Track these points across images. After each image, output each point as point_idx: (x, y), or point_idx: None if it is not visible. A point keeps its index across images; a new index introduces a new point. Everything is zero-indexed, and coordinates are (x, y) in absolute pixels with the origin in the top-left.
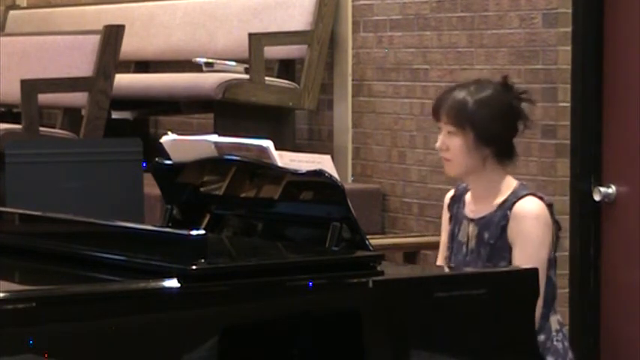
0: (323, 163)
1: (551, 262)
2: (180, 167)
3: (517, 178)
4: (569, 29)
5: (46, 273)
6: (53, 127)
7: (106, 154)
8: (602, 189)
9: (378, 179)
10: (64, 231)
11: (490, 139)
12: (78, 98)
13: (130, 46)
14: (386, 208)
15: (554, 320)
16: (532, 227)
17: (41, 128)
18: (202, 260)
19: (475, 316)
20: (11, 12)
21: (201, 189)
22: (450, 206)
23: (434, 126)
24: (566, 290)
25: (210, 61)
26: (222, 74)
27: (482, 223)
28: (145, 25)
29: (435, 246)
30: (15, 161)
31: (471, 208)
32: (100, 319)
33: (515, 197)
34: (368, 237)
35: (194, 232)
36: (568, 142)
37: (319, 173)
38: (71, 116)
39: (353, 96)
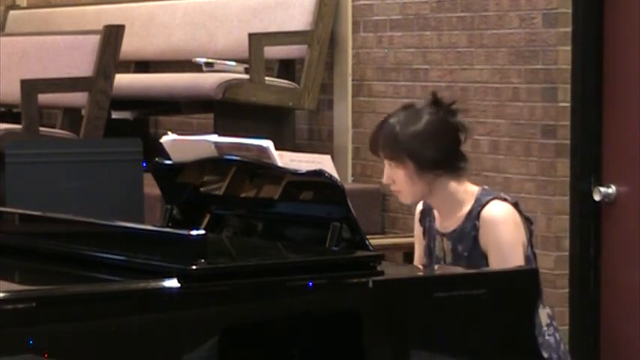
0: (323, 163)
1: (530, 259)
2: (180, 167)
3: (517, 178)
4: (569, 29)
5: (46, 273)
6: (53, 127)
7: (106, 154)
8: (602, 189)
9: (378, 179)
10: (64, 231)
11: (432, 165)
12: (78, 98)
13: (130, 46)
14: (386, 208)
15: (544, 314)
16: (501, 231)
17: (41, 128)
18: (202, 260)
19: (475, 316)
20: (11, 12)
21: (201, 189)
22: (421, 220)
23: None
24: (566, 290)
25: (210, 61)
26: (222, 74)
27: (454, 236)
28: (145, 25)
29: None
30: (15, 161)
31: (440, 223)
32: (100, 319)
33: (479, 205)
34: (368, 237)
35: (194, 232)
36: (568, 142)
37: (319, 173)
38: (71, 116)
39: (353, 96)
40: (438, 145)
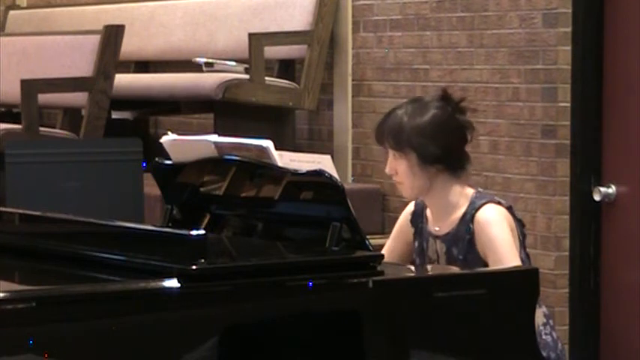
0: (323, 163)
1: (524, 261)
2: (180, 167)
3: (517, 178)
4: (569, 29)
5: (46, 273)
6: (53, 127)
7: (106, 154)
8: (602, 189)
9: (378, 179)
10: (64, 231)
11: (435, 159)
12: (78, 98)
13: (130, 46)
14: (386, 208)
15: (540, 314)
16: (497, 232)
17: (41, 128)
18: (202, 260)
19: (475, 316)
20: (11, 12)
21: (201, 189)
22: (412, 221)
23: None
24: (566, 290)
25: (210, 61)
26: (222, 74)
27: (448, 239)
28: (145, 25)
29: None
30: (15, 161)
31: (433, 225)
32: (100, 319)
33: (473, 209)
34: (368, 237)
35: (194, 232)
36: (568, 142)
37: (319, 173)
38: (71, 116)
39: (353, 96)
40: (442, 140)
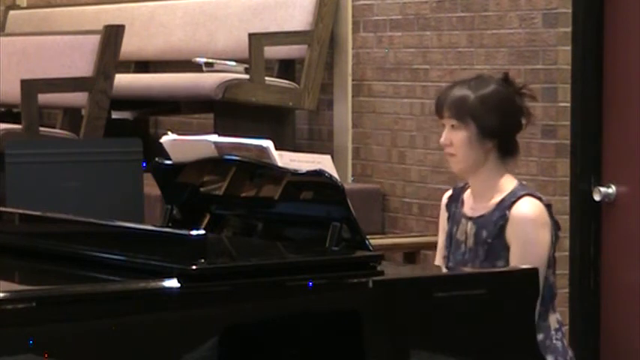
0: (323, 163)
1: (550, 262)
2: (180, 167)
3: (517, 179)
4: (569, 29)
5: (46, 273)
6: (53, 127)
7: (106, 154)
8: (602, 189)
9: (378, 179)
10: (64, 231)
11: (493, 133)
12: (78, 98)
13: (130, 46)
14: (386, 208)
15: (554, 319)
16: (529, 229)
17: (41, 128)
18: (202, 260)
19: (475, 316)
20: (11, 12)
21: (201, 189)
22: (447, 206)
23: (434, 126)
24: (566, 290)
25: (210, 61)
26: (222, 74)
27: (480, 221)
28: (145, 25)
29: (435, 246)
30: (15, 161)
31: (470, 205)
32: (100, 319)
33: (513, 197)
34: (368, 237)
35: (194, 232)
36: (568, 142)
37: (319, 173)
38: (71, 116)
39: (353, 96)
40: (502, 114)
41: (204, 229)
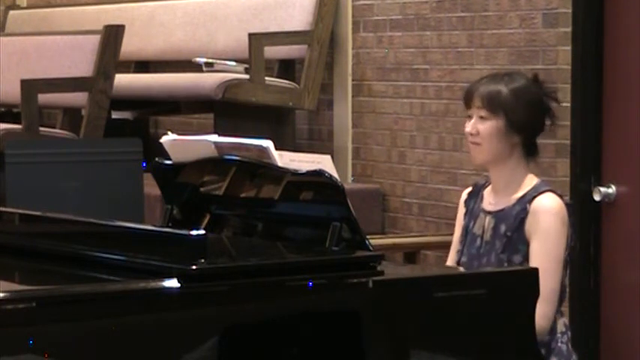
0: (323, 163)
1: (564, 263)
2: (180, 167)
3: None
4: (569, 29)
5: (46, 273)
6: (53, 127)
7: (106, 154)
8: (602, 189)
9: (378, 179)
10: (64, 231)
11: (521, 127)
12: (78, 98)
13: (130, 46)
14: (386, 208)
15: (561, 322)
16: (552, 222)
17: (41, 128)
18: (202, 260)
19: (475, 316)
20: (11, 12)
21: (201, 189)
22: (466, 202)
23: (434, 126)
24: (566, 290)
25: (210, 61)
26: (222, 74)
27: (499, 215)
28: (145, 25)
29: (435, 246)
30: (15, 161)
31: (490, 200)
32: (100, 319)
33: (535, 192)
34: (368, 237)
35: (194, 232)
36: (568, 142)
37: (319, 173)
38: (71, 116)
39: (353, 96)
40: (531, 111)
41: (204, 229)
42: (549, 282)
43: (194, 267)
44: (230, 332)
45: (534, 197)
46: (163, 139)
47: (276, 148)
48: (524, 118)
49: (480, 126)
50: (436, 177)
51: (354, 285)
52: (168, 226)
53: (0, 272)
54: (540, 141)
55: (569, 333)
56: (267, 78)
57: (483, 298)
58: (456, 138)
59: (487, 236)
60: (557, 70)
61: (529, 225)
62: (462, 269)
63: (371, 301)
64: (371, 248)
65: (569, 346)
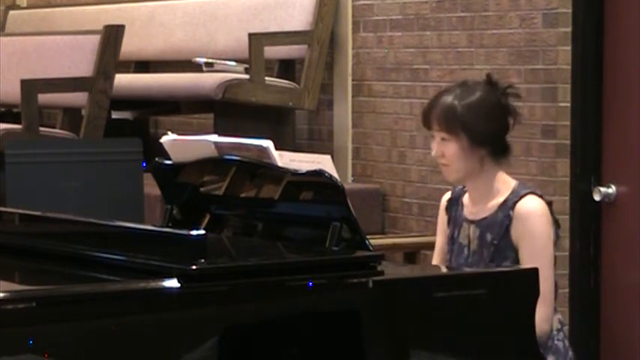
0: (323, 163)
1: (555, 260)
2: (180, 167)
3: (517, 178)
4: (569, 29)
5: (46, 273)
6: (53, 127)
7: (106, 154)
8: (602, 189)
9: (378, 179)
10: (64, 231)
11: (484, 140)
12: (78, 98)
13: (130, 46)
14: (386, 208)
15: (555, 319)
16: (538, 225)
17: (41, 128)
18: (202, 260)
19: (475, 316)
20: (11, 12)
21: (201, 189)
22: (447, 209)
23: None
24: (566, 290)
25: (210, 61)
26: (222, 74)
27: (483, 224)
28: (145, 25)
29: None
30: (15, 161)
31: (470, 209)
32: (100, 319)
33: (516, 197)
34: (368, 237)
35: (194, 232)
36: (568, 142)
37: (319, 173)
38: (71, 116)
39: (353, 96)
40: (492, 121)
41: (204, 229)
42: (545, 284)
43: (194, 267)
44: (230, 332)
45: (516, 202)
46: (163, 139)
47: (276, 148)
48: (485, 131)
49: (443, 148)
50: (436, 177)
51: (354, 285)
52: (168, 226)
53: (0, 272)
54: (540, 141)
55: (564, 329)
56: (267, 78)
57: (483, 298)
58: None
59: (474, 246)
60: (557, 70)
61: (515, 231)
62: (462, 269)
63: (371, 301)
64: (371, 248)
65: (566, 342)
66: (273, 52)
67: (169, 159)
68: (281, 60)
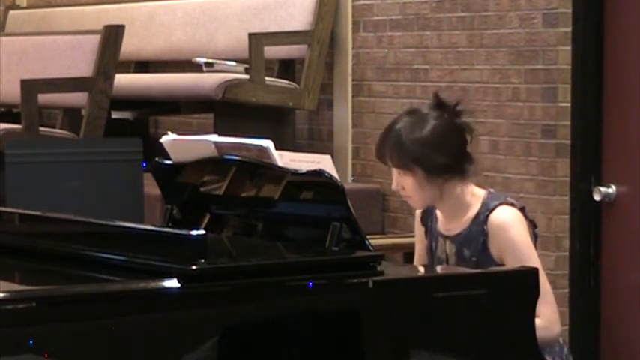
0: (323, 163)
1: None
2: (180, 167)
3: (517, 178)
4: (569, 29)
5: (46, 273)
6: (53, 127)
7: (106, 154)
8: (602, 189)
9: (378, 179)
10: (64, 231)
11: (441, 171)
12: (78, 98)
13: (130, 46)
14: (386, 208)
15: None
16: (515, 234)
17: (41, 128)
18: (202, 260)
19: (475, 316)
20: (11, 12)
21: (201, 189)
22: (422, 220)
23: None
24: (566, 290)
25: (210, 61)
26: (222, 74)
27: (459, 240)
28: (145, 25)
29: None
30: (15, 161)
31: (443, 225)
32: (100, 319)
33: (486, 210)
34: (368, 237)
35: (194, 232)
36: (568, 142)
37: (319, 173)
38: (71, 116)
39: (353, 96)
40: (446, 150)
41: (204, 229)
42: (544, 285)
43: (194, 267)
44: (230, 332)
45: (488, 216)
46: (163, 139)
47: (276, 148)
48: (440, 162)
49: (402, 182)
50: None
51: (354, 285)
52: (168, 226)
53: (0, 272)
54: (540, 141)
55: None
56: (267, 78)
57: (483, 298)
58: None
59: (452, 261)
60: (557, 70)
61: (492, 245)
62: (462, 269)
63: (371, 301)
64: (371, 248)
65: (561, 340)
66: (273, 52)
67: (169, 159)
68: (281, 60)
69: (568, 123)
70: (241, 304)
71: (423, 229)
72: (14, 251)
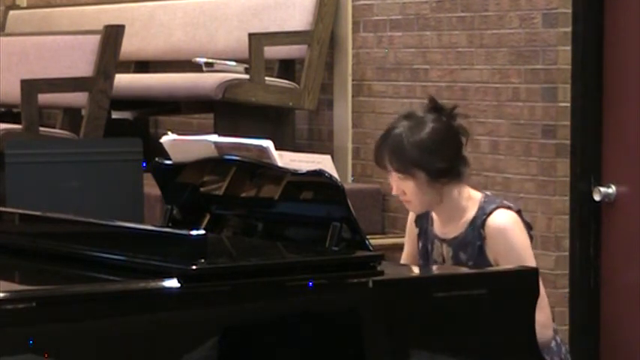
0: (323, 163)
1: None
2: (180, 167)
3: (517, 178)
4: (569, 29)
5: (46, 273)
6: (53, 127)
7: (106, 154)
8: (602, 189)
9: (378, 179)
10: (64, 231)
11: (441, 174)
12: (78, 98)
13: (130, 46)
14: (386, 208)
15: None
16: (513, 237)
17: (41, 128)
18: (202, 260)
19: (475, 316)
20: (11, 12)
21: (201, 189)
22: (417, 222)
23: None
24: (566, 290)
25: (210, 61)
26: (222, 74)
27: (455, 243)
28: (145, 25)
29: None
30: (15, 161)
31: (440, 228)
32: (100, 319)
33: (483, 214)
34: (368, 237)
35: (194, 232)
36: (568, 142)
37: (319, 173)
38: (71, 116)
39: (353, 96)
40: (445, 153)
41: (204, 229)
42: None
43: (194, 267)
44: (230, 332)
45: (485, 220)
46: (163, 139)
47: (276, 148)
48: (440, 165)
49: (402, 186)
50: None
51: (354, 285)
52: (168, 226)
53: (0, 272)
54: (540, 141)
55: (554, 325)
56: (267, 78)
57: (483, 298)
58: None
59: (449, 264)
60: (557, 70)
61: (490, 249)
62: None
63: (371, 301)
64: (371, 248)
65: (558, 339)
66: (273, 52)
67: (169, 159)
68: (281, 60)
69: (568, 123)
70: (241, 304)
71: (416, 231)
72: (14, 251)
